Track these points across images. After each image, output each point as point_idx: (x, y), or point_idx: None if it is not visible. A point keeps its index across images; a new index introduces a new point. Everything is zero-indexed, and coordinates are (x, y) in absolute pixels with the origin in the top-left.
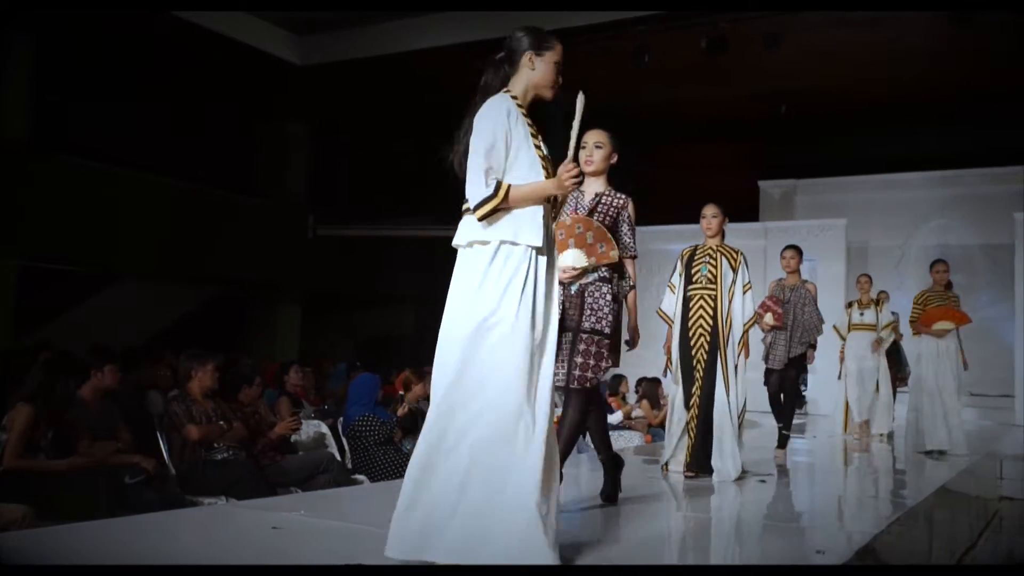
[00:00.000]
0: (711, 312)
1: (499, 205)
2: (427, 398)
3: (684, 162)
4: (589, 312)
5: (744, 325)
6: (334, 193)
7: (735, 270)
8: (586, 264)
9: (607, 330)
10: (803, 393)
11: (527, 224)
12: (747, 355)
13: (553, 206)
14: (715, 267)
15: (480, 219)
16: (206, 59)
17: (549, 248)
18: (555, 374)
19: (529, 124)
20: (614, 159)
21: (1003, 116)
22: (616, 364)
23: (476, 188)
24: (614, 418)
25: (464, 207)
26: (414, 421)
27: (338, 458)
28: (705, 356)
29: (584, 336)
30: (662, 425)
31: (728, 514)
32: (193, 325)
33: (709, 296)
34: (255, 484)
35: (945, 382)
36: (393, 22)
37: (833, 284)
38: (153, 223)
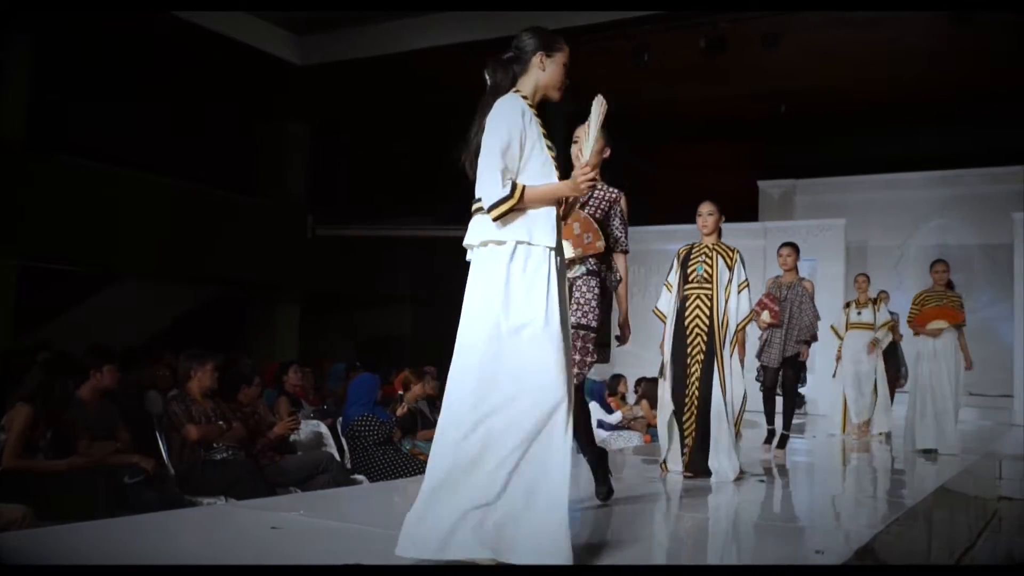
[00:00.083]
0: (707, 311)
1: (515, 206)
2: (426, 398)
3: (683, 162)
4: (576, 306)
5: (738, 323)
6: (334, 193)
7: (731, 268)
8: (573, 255)
9: (593, 324)
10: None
11: (542, 225)
12: (742, 353)
13: (563, 206)
14: (711, 266)
15: (495, 219)
16: (206, 59)
17: (559, 248)
18: None
19: (540, 124)
20: (607, 153)
21: (1002, 116)
22: (605, 360)
23: (491, 188)
24: (613, 418)
25: (475, 206)
26: (413, 421)
27: (337, 458)
28: (702, 356)
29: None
30: None
31: (727, 514)
32: (192, 325)
33: (705, 295)
34: (254, 484)
35: (939, 382)
36: (393, 22)
37: (832, 284)
38: (152, 223)
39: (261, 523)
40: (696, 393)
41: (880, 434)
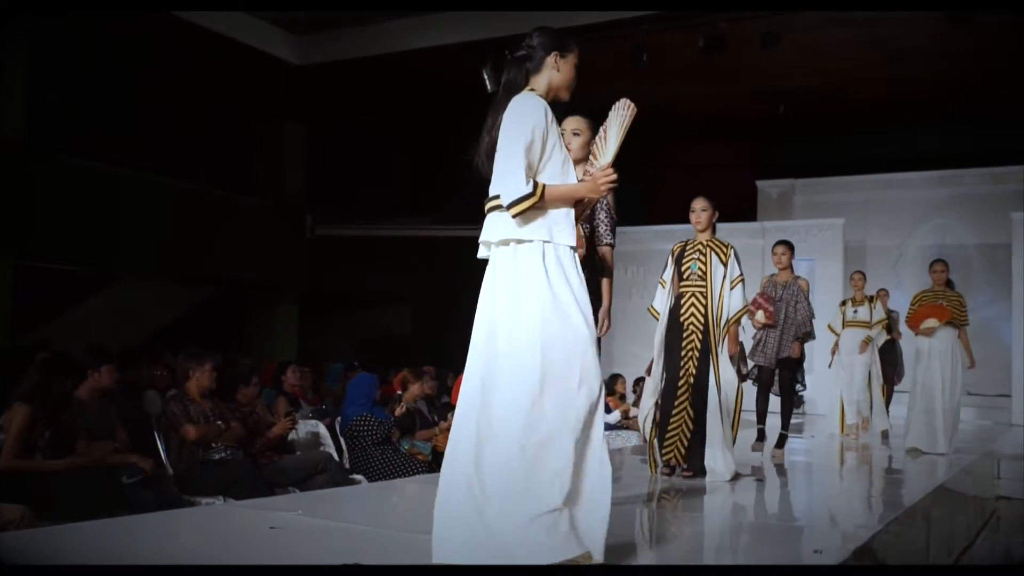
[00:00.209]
0: (702, 309)
1: (535, 204)
2: (424, 398)
3: (682, 162)
4: None
5: (730, 317)
6: (333, 193)
7: (725, 264)
8: None
9: None
10: (800, 393)
11: (562, 224)
12: (734, 348)
13: (576, 207)
14: (705, 263)
15: (514, 216)
16: (205, 59)
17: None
18: None
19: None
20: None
21: (1001, 116)
22: None
23: (514, 185)
24: (611, 418)
25: (491, 204)
26: (412, 421)
27: (336, 458)
28: (697, 354)
29: None
30: None
31: (724, 514)
32: (191, 325)
33: (700, 293)
34: (253, 484)
35: (933, 381)
36: (392, 22)
37: (831, 284)
38: (152, 223)
39: (259, 523)
40: (689, 390)
41: (882, 431)
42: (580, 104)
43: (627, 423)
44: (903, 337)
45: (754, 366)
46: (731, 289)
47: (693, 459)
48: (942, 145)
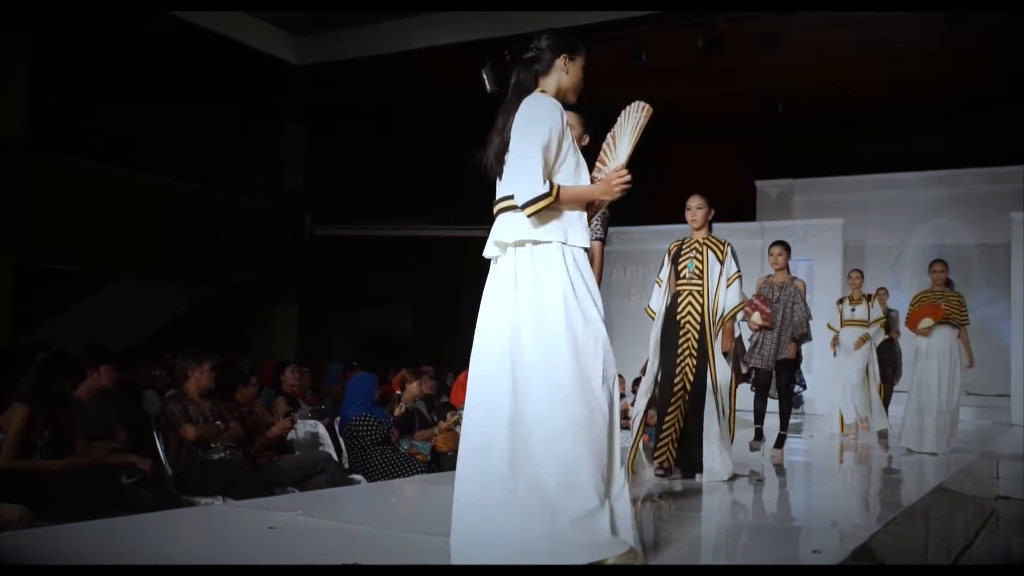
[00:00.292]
0: (699, 309)
1: (550, 204)
2: (424, 398)
3: (681, 162)
4: None
5: (727, 312)
6: (332, 193)
7: (722, 262)
8: None
9: None
10: (800, 393)
11: (576, 226)
12: (729, 344)
13: (588, 208)
14: (701, 261)
15: (529, 215)
16: (205, 59)
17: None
18: None
19: None
20: (585, 141)
21: (1000, 116)
22: None
23: (531, 184)
24: None
25: (503, 204)
26: (411, 421)
27: (335, 458)
28: (693, 353)
29: None
30: None
31: (723, 514)
32: (190, 325)
33: (697, 292)
34: (252, 484)
35: (929, 381)
36: (391, 22)
37: (830, 284)
38: (151, 223)
39: (259, 523)
40: (684, 390)
41: (879, 432)
42: (582, 105)
43: (625, 423)
44: (902, 337)
45: (750, 369)
46: (727, 287)
47: (684, 458)
48: (941, 145)
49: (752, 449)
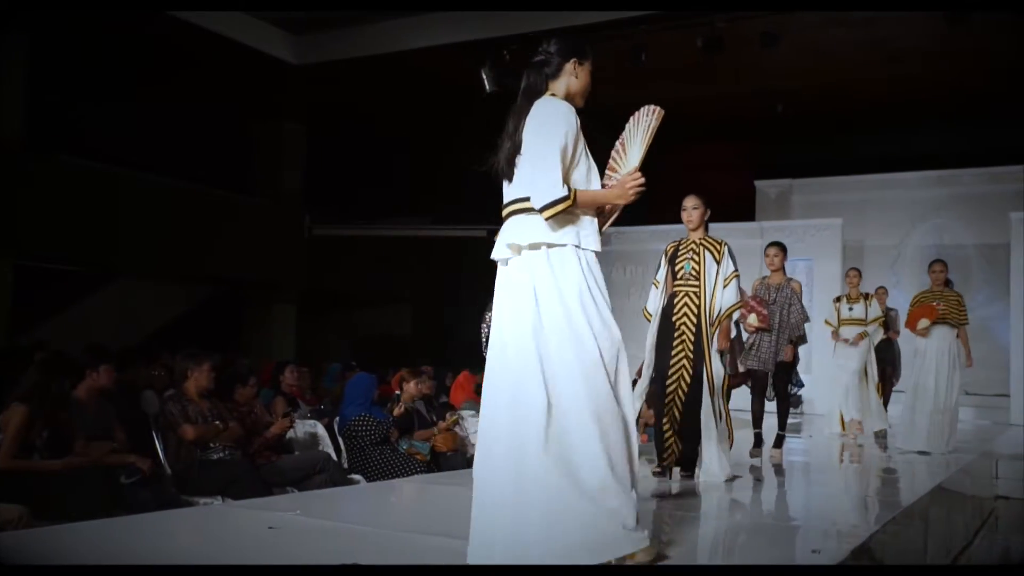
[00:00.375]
0: (695, 310)
1: (568, 208)
2: (423, 398)
3: (680, 162)
4: None
5: (723, 311)
6: (331, 192)
7: (719, 263)
8: None
9: None
10: (798, 392)
11: (588, 230)
12: (725, 343)
13: (601, 213)
14: (698, 262)
15: (547, 218)
16: (204, 59)
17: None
18: None
19: None
20: None
21: (999, 116)
22: None
23: (551, 187)
24: None
25: (516, 206)
26: (410, 421)
27: (334, 458)
28: (689, 355)
29: None
30: None
31: (722, 514)
32: (190, 325)
33: (694, 293)
34: (251, 484)
35: (926, 380)
36: (390, 21)
37: (829, 284)
38: (150, 223)
39: (258, 523)
40: (678, 392)
41: (876, 433)
42: (589, 112)
43: None
44: (902, 336)
45: (747, 370)
46: (725, 286)
47: (688, 460)
48: (941, 145)
49: (752, 456)
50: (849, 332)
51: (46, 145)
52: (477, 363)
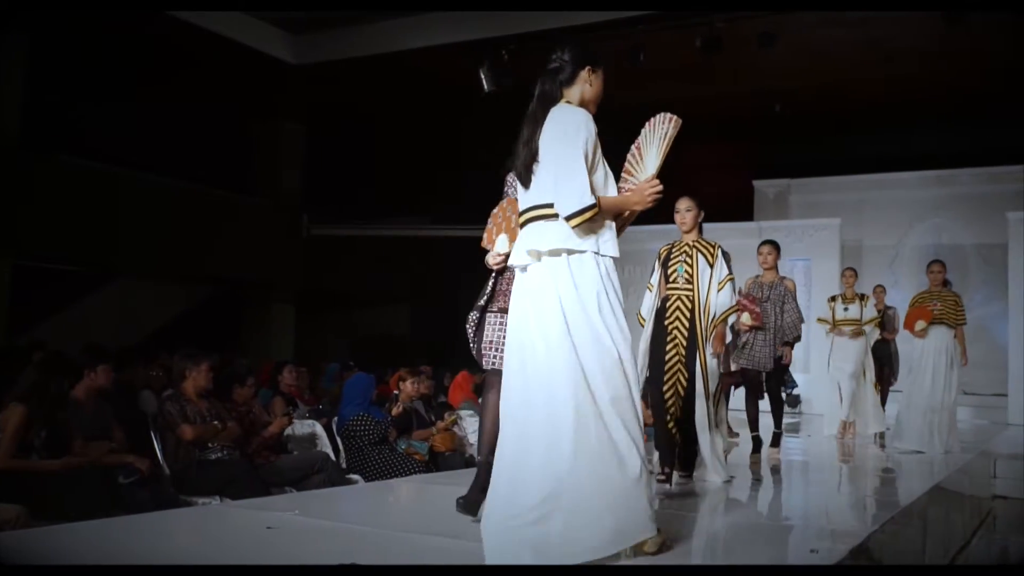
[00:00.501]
0: (688, 314)
1: (594, 215)
2: (421, 397)
3: (678, 162)
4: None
5: (718, 315)
6: (329, 192)
7: (712, 265)
8: (508, 249)
9: None
10: (795, 393)
11: (606, 236)
12: (720, 348)
13: (617, 217)
14: (691, 265)
15: (574, 226)
16: (203, 59)
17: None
18: (496, 356)
19: None
20: None
21: (997, 116)
22: None
23: (579, 195)
24: None
25: (536, 212)
26: (408, 420)
27: (332, 458)
28: (682, 360)
29: None
30: None
31: (720, 514)
32: (188, 325)
33: (686, 297)
34: (249, 484)
35: (922, 380)
36: (389, 21)
37: (827, 284)
38: (149, 222)
39: (256, 523)
40: (679, 394)
41: (874, 434)
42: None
43: None
44: (900, 336)
45: (740, 369)
46: (719, 290)
47: (686, 462)
48: (939, 145)
49: (753, 463)
50: (844, 333)
51: (46, 145)
52: (475, 363)
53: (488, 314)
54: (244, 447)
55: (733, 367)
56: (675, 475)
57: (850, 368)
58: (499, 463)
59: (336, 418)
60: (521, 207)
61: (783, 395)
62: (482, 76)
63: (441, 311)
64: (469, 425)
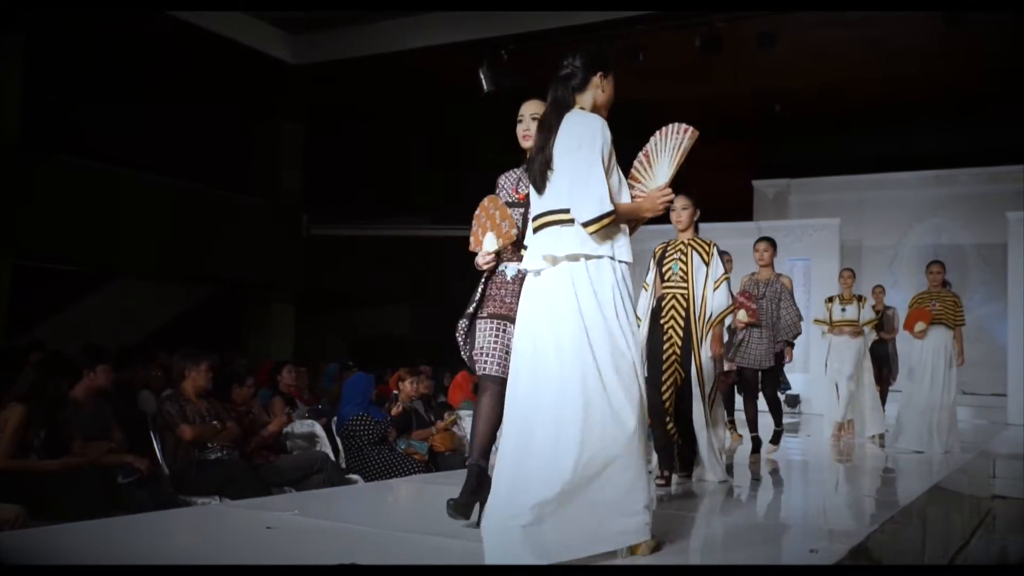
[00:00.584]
0: (683, 313)
1: (612, 221)
2: (420, 397)
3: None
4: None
5: (714, 316)
6: (329, 192)
7: (707, 264)
8: (497, 247)
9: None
10: (793, 393)
11: (621, 241)
12: (718, 349)
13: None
14: (686, 263)
15: (592, 232)
16: (203, 59)
17: None
18: (488, 362)
19: None
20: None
21: (996, 116)
22: None
23: (599, 203)
24: None
25: (551, 217)
26: (408, 420)
27: (332, 458)
28: (677, 359)
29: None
30: None
31: (719, 514)
32: (188, 324)
33: (681, 295)
34: (249, 484)
35: (922, 381)
36: (388, 21)
37: (827, 284)
38: (149, 222)
39: (256, 523)
40: (673, 397)
41: (873, 436)
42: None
43: None
44: (899, 334)
45: (736, 368)
46: (715, 290)
47: (684, 462)
48: (938, 145)
49: (753, 464)
50: (841, 334)
51: (45, 145)
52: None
53: (478, 320)
54: (243, 447)
55: (727, 366)
56: (674, 477)
57: (848, 370)
58: (501, 463)
59: (335, 418)
60: (534, 212)
61: (779, 396)
62: (482, 76)
63: (441, 311)
64: (468, 425)
